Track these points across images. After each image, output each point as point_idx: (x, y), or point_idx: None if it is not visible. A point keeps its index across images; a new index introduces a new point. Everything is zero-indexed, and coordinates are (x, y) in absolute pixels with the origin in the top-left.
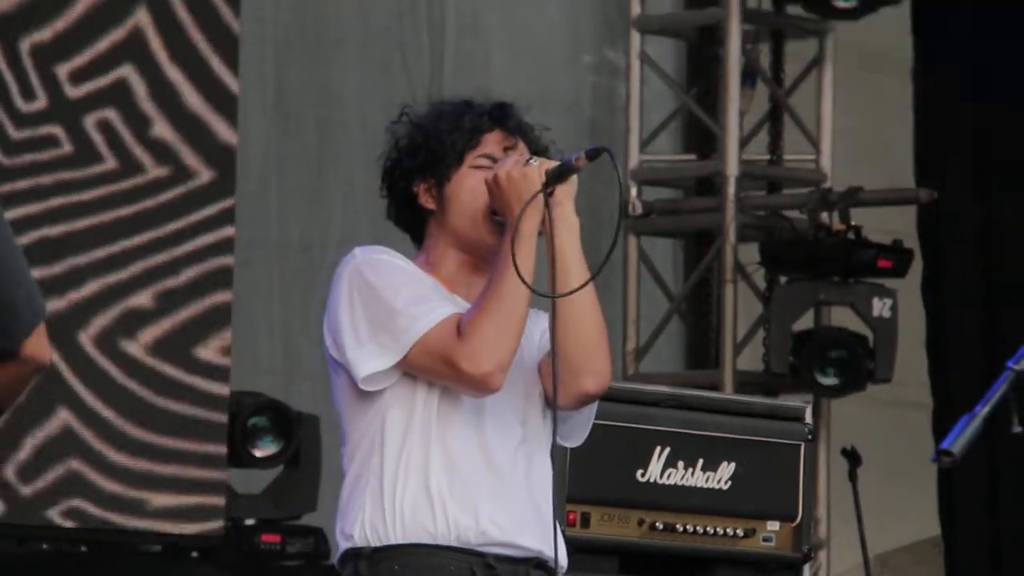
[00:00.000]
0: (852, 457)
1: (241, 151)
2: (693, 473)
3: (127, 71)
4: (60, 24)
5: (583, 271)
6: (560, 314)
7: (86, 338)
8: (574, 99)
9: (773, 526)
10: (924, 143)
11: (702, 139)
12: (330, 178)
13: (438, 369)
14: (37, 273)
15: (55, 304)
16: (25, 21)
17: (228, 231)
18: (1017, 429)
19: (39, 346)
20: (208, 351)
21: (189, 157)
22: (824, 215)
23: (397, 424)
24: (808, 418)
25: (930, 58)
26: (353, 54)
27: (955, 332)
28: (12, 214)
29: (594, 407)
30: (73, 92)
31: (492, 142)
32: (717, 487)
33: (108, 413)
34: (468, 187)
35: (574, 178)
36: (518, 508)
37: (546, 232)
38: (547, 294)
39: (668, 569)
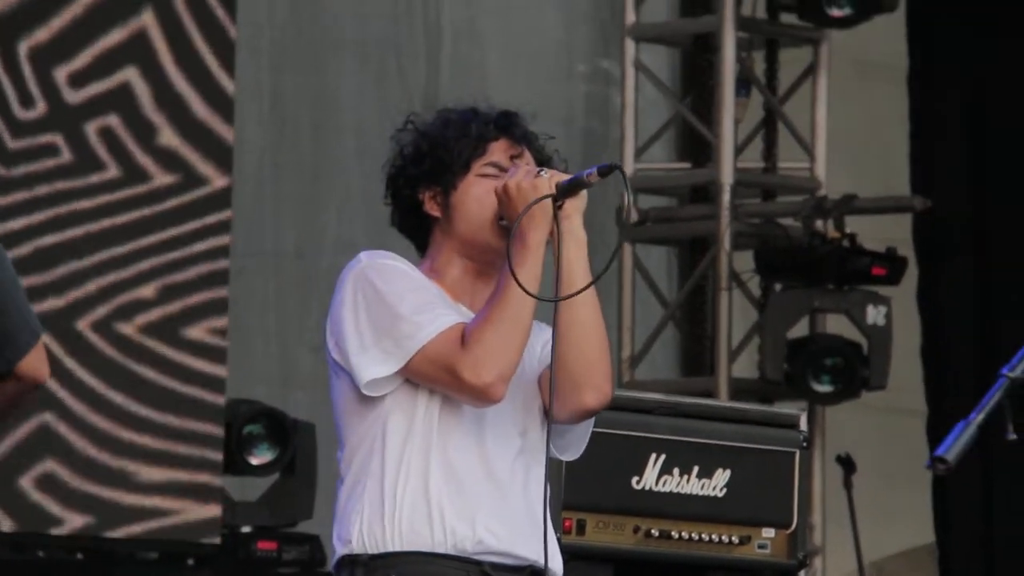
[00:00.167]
0: (847, 464)
1: (236, 157)
2: (688, 480)
3: (130, 74)
4: (57, 23)
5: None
6: (563, 327)
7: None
8: (569, 106)
9: (768, 533)
10: (919, 151)
11: (697, 147)
12: (326, 184)
13: (440, 377)
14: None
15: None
16: (24, 21)
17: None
18: (1012, 436)
19: (36, 365)
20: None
21: (198, 163)
22: (819, 223)
23: (397, 430)
24: (803, 425)
25: (925, 66)
26: (349, 60)
27: (950, 339)
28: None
29: (592, 421)
30: (73, 97)
31: (498, 150)
32: (712, 494)
33: (94, 417)
34: (475, 195)
35: (584, 193)
36: (515, 518)
37: (553, 244)
38: (551, 298)
39: None
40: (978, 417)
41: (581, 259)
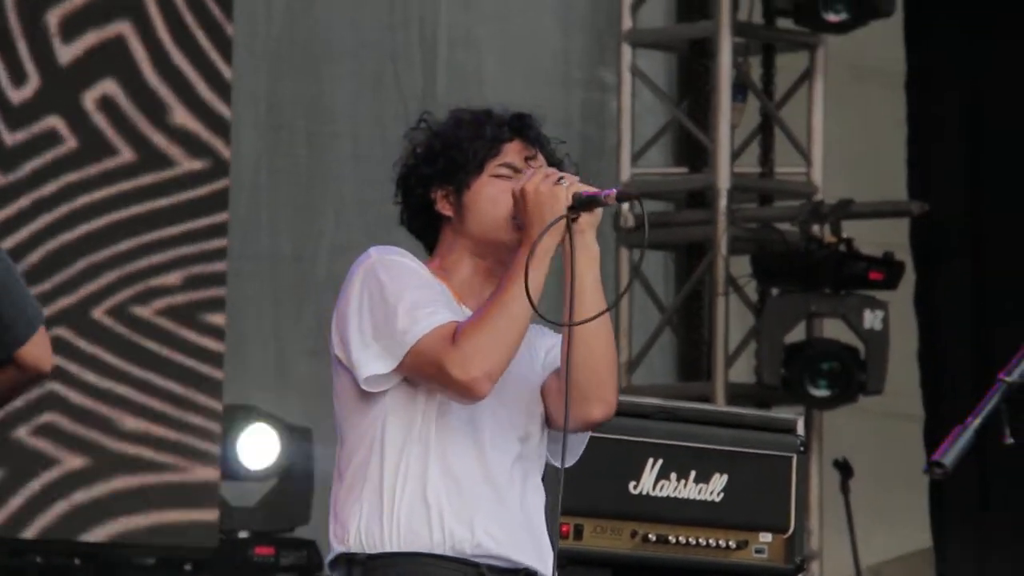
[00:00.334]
0: (844, 468)
1: (233, 163)
2: (685, 485)
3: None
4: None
5: (599, 301)
6: (574, 340)
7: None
8: (565, 112)
9: (765, 538)
10: (916, 155)
11: (693, 152)
12: (322, 190)
13: (429, 372)
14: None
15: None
16: None
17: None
18: (1009, 440)
19: (36, 354)
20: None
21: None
22: (815, 227)
23: (397, 431)
24: (800, 430)
25: (921, 70)
26: (345, 67)
27: (947, 344)
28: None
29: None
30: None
31: (512, 152)
32: (709, 499)
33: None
34: (488, 196)
35: (599, 210)
36: (513, 523)
37: (564, 257)
38: (561, 322)
39: None
40: (975, 422)
41: (593, 274)
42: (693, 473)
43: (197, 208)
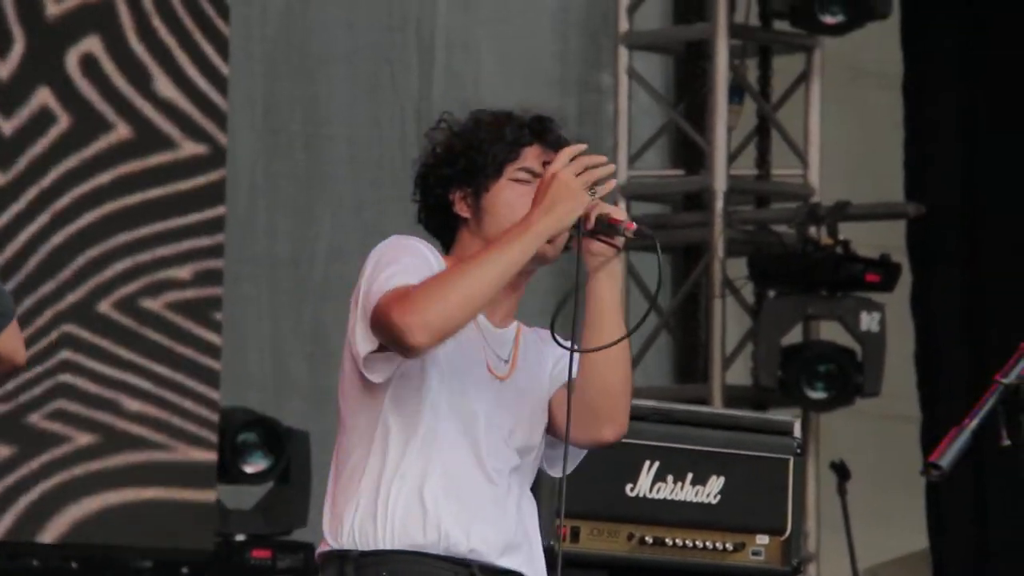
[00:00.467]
0: (841, 470)
1: (230, 166)
2: (682, 487)
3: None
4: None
5: (619, 326)
6: (591, 364)
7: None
8: (562, 115)
9: (762, 540)
10: (912, 157)
11: (690, 154)
12: (319, 193)
13: (381, 325)
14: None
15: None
16: None
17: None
18: (1005, 442)
19: (12, 346)
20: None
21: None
22: (812, 229)
23: (397, 430)
24: (797, 432)
25: (918, 72)
26: (341, 70)
27: (943, 346)
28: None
29: None
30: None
31: (532, 156)
32: (706, 501)
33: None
34: (506, 200)
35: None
36: (508, 529)
37: (584, 272)
38: (572, 348)
39: None
40: (972, 423)
41: (614, 299)
42: (690, 475)
43: (193, 202)
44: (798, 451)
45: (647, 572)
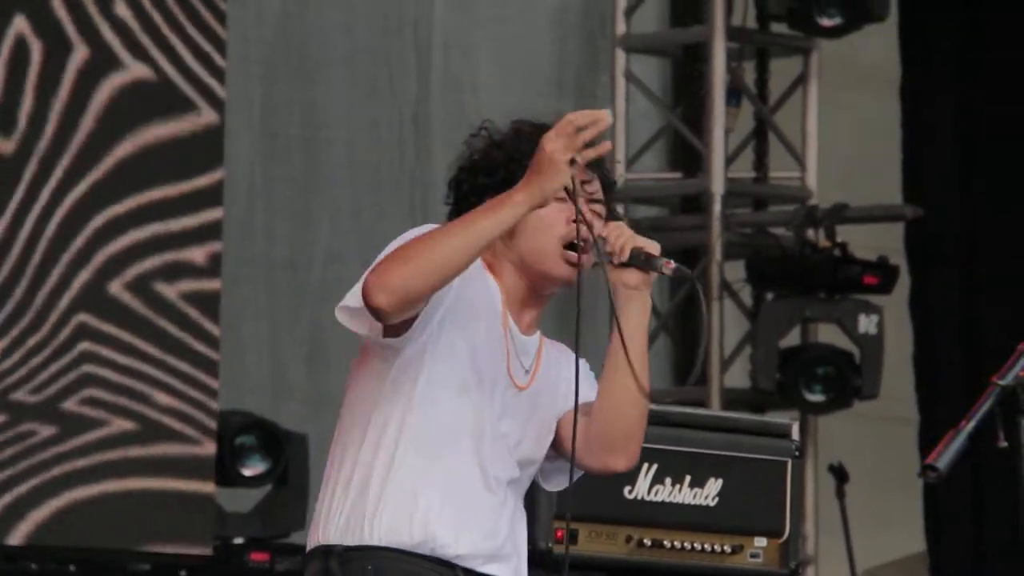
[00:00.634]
0: (839, 473)
1: (227, 169)
2: (680, 490)
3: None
4: None
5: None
6: (611, 391)
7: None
8: (559, 118)
9: (760, 542)
10: (910, 160)
11: (687, 157)
12: (317, 196)
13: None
14: None
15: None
16: None
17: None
18: (1003, 444)
19: None
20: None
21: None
22: (810, 232)
23: (397, 430)
24: (795, 434)
25: (916, 75)
26: (339, 73)
27: (941, 348)
28: None
29: None
30: None
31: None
32: (704, 504)
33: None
34: (540, 216)
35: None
36: (498, 540)
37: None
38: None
39: None
40: (969, 425)
41: (641, 336)
42: (688, 478)
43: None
44: (796, 453)
45: (645, 574)
